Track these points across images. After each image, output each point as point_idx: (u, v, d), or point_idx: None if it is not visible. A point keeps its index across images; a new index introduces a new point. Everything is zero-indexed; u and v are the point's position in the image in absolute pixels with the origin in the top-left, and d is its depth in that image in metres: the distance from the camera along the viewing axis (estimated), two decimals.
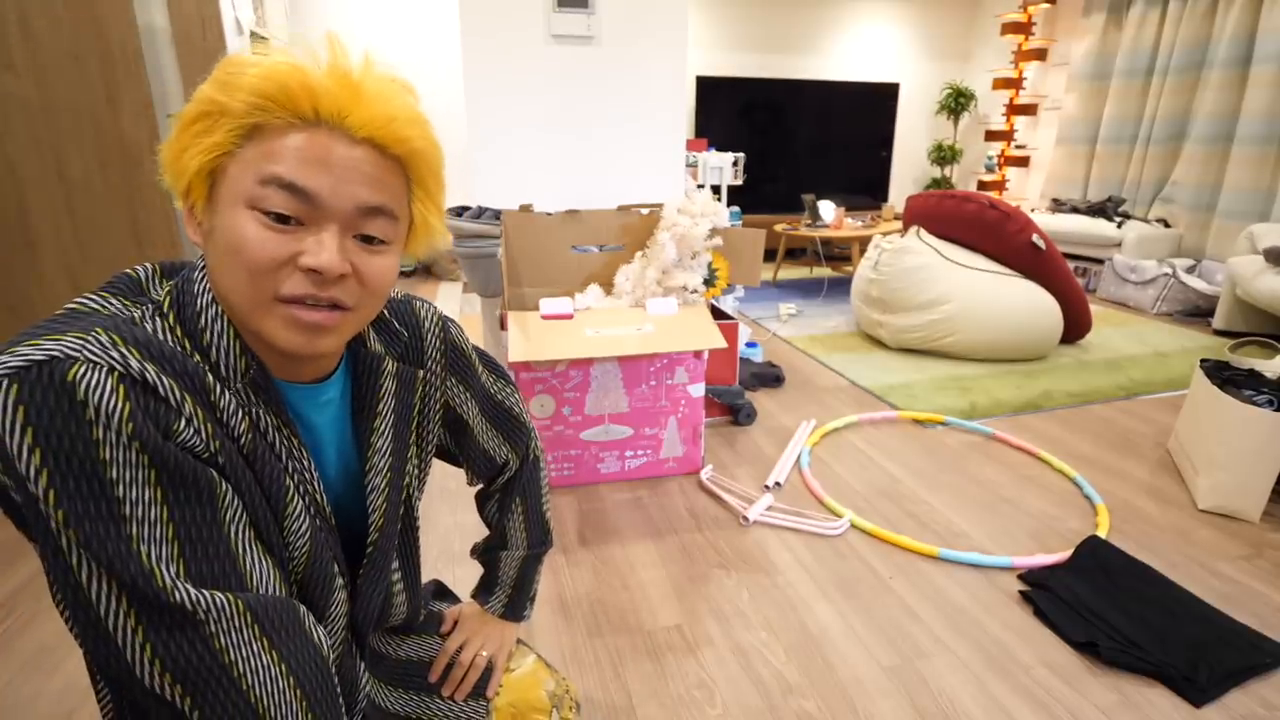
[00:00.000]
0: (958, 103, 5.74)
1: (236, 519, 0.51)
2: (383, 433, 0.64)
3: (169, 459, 0.46)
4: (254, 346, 0.55)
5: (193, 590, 0.46)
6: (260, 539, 0.53)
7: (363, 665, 0.67)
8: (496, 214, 2.41)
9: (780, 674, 1.29)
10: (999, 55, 5.65)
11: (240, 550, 0.50)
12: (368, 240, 0.53)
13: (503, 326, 1.93)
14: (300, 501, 0.56)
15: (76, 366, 0.43)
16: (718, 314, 2.39)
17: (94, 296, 0.52)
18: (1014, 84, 5.42)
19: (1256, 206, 3.93)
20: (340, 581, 0.61)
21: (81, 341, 0.44)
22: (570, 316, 1.94)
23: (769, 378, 2.76)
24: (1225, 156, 4.10)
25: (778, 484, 1.97)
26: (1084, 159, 5.00)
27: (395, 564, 0.70)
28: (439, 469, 2.07)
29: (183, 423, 0.48)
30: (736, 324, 2.32)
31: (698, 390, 1.99)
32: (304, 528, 0.56)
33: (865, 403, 2.60)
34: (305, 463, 0.57)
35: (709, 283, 2.11)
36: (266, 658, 0.49)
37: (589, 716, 1.19)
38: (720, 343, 1.84)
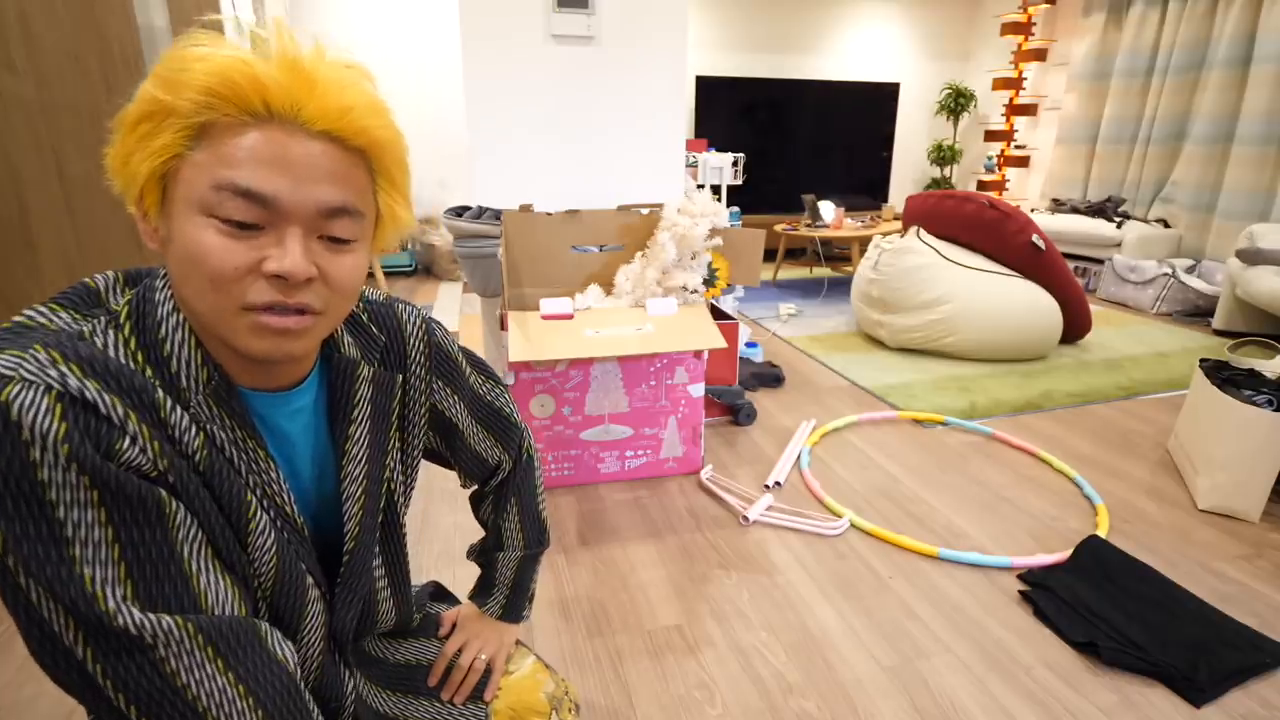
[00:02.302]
0: (958, 103, 5.74)
1: (190, 538, 0.49)
2: (358, 440, 0.62)
3: (110, 480, 0.44)
4: (218, 355, 0.53)
5: (138, 614, 0.45)
6: (219, 557, 0.52)
7: (348, 673, 0.66)
8: (496, 214, 2.41)
9: (780, 674, 1.29)
10: (999, 55, 5.65)
11: (194, 570, 0.49)
12: (333, 240, 0.51)
13: (503, 326, 1.93)
14: (265, 515, 0.55)
15: (10, 386, 0.42)
16: (718, 314, 2.39)
17: (42, 309, 0.50)
18: (1014, 84, 5.42)
19: (1256, 206, 3.93)
20: (315, 593, 0.60)
21: (18, 359, 0.43)
22: (570, 316, 1.94)
23: (769, 378, 2.76)
24: (1225, 156, 4.10)
25: (778, 484, 1.97)
26: (1084, 159, 5.00)
27: (381, 571, 0.69)
28: (440, 470, 2.07)
29: (126, 441, 0.46)
30: (736, 324, 2.32)
31: (698, 390, 1.99)
32: (269, 542, 0.55)
33: (865, 403, 2.60)
34: (272, 474, 0.56)
35: (709, 283, 2.11)
36: (222, 679, 0.48)
37: (589, 717, 1.19)
38: (720, 343, 1.84)
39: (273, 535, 0.55)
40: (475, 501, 0.89)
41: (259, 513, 0.54)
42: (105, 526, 0.45)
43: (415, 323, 0.69)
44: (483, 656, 0.80)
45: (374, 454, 0.64)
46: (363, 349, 0.64)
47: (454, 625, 0.84)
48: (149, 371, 0.50)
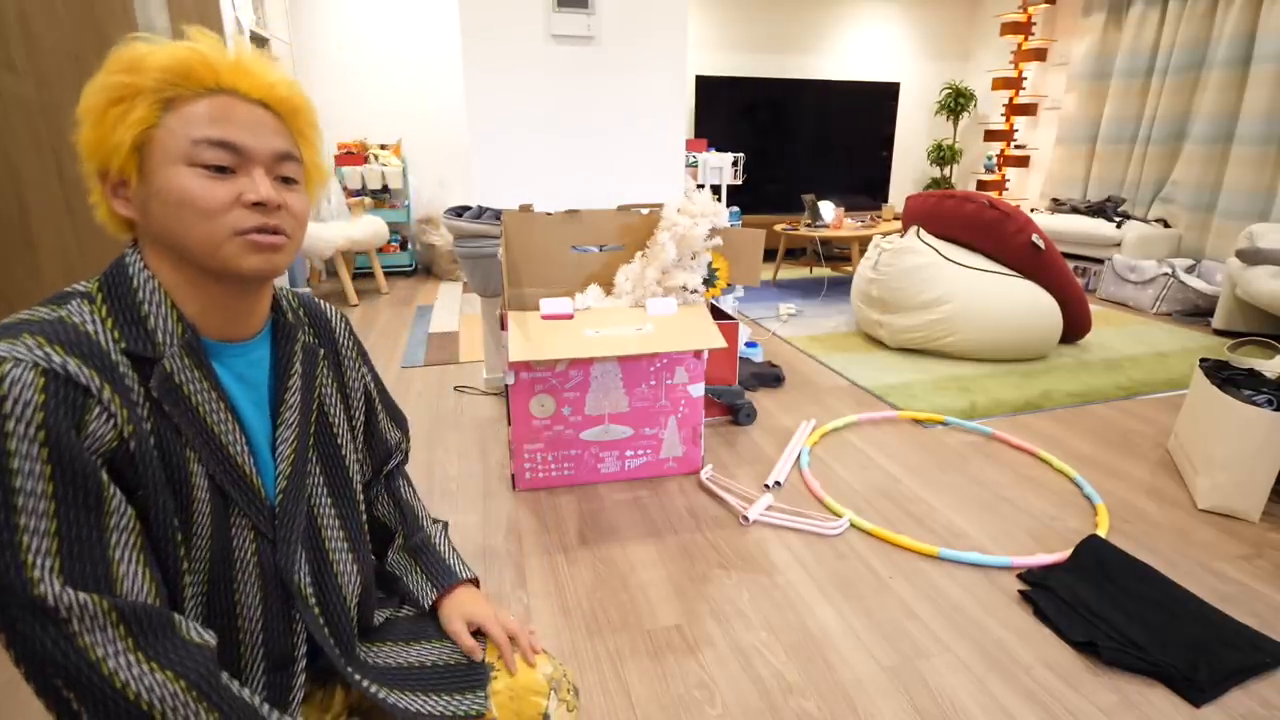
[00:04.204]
0: (957, 103, 5.74)
1: (121, 527, 0.55)
2: (294, 390, 0.71)
3: (65, 458, 0.52)
4: (189, 311, 0.63)
5: (58, 586, 0.50)
6: (145, 550, 0.57)
7: (301, 624, 0.69)
8: (496, 214, 2.41)
9: (780, 674, 1.29)
10: (999, 55, 5.65)
11: (116, 557, 0.54)
12: (284, 181, 0.64)
13: (503, 326, 1.93)
14: (205, 478, 0.62)
15: (4, 365, 0.51)
16: (718, 314, 2.39)
17: (24, 313, 0.58)
18: (1014, 84, 5.42)
19: (1256, 206, 3.93)
20: (250, 535, 0.65)
21: (10, 345, 0.52)
22: (570, 316, 1.94)
23: (769, 378, 2.76)
24: (1225, 156, 4.10)
25: (778, 484, 1.97)
26: (1084, 159, 5.00)
27: (337, 525, 0.75)
28: (440, 470, 2.07)
29: (97, 410, 0.54)
30: (736, 324, 2.32)
31: (698, 390, 1.99)
32: (205, 495, 0.62)
33: (865, 403, 2.60)
34: (229, 424, 0.64)
35: (709, 283, 2.11)
36: (132, 656, 0.53)
37: (589, 717, 1.19)
38: (720, 343, 1.84)
39: (209, 490, 0.62)
40: (371, 499, 0.89)
41: (197, 469, 0.62)
42: (50, 500, 0.51)
43: (335, 313, 0.82)
44: (511, 620, 0.82)
45: (304, 407, 0.73)
46: (297, 323, 0.76)
47: (448, 629, 0.83)
48: (117, 334, 0.59)
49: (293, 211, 0.65)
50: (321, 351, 0.77)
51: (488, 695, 0.77)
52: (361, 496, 0.79)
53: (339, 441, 0.77)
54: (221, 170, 0.60)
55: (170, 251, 0.61)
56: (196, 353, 0.62)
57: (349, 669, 0.72)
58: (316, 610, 0.71)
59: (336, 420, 0.77)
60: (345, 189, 4.46)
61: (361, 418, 0.83)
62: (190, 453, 0.61)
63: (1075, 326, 3.22)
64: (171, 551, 0.60)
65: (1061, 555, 1.61)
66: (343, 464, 0.76)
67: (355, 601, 0.77)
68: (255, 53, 0.64)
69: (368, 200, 4.43)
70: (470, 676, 0.78)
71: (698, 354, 1.97)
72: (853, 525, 1.77)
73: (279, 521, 0.68)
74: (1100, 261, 4.41)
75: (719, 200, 3.03)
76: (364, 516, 0.79)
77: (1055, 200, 4.99)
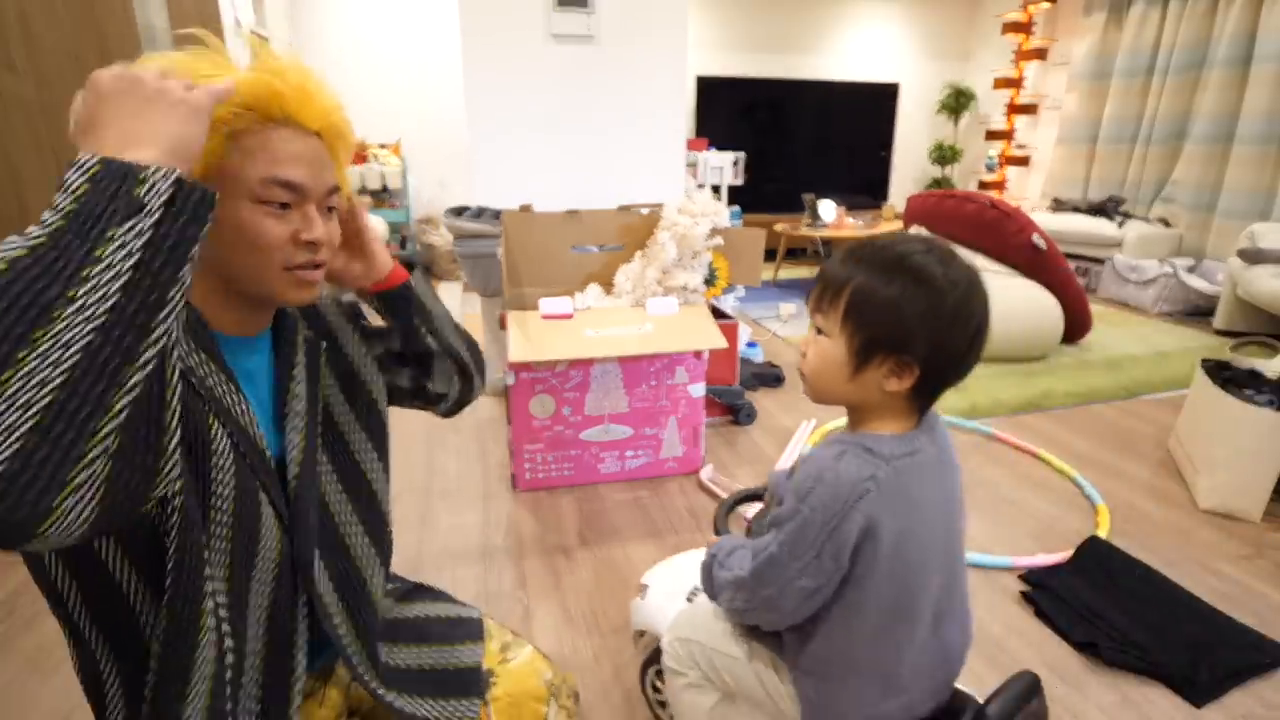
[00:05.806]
0: (958, 102, 5.74)
1: None
2: (299, 381, 0.73)
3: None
4: (210, 310, 0.63)
5: None
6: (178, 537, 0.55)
7: (304, 609, 0.69)
8: (496, 214, 2.41)
9: None
10: (999, 55, 5.65)
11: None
12: (328, 210, 0.67)
13: (503, 326, 1.93)
14: (226, 438, 0.60)
15: None
16: (718, 314, 2.39)
17: None
18: (1014, 83, 5.41)
19: (1256, 206, 3.92)
20: (270, 510, 0.64)
21: None
22: (570, 316, 1.94)
23: (769, 378, 2.76)
24: (1225, 156, 4.09)
25: None
26: (1084, 159, 5.00)
27: (350, 509, 0.76)
28: (439, 470, 2.07)
29: None
30: (736, 324, 2.33)
31: (698, 390, 1.99)
32: (228, 462, 0.60)
33: None
34: (243, 406, 0.63)
35: (709, 282, 2.11)
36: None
37: (589, 717, 1.19)
38: (720, 342, 1.84)
39: (233, 456, 0.61)
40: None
41: (219, 431, 0.60)
42: None
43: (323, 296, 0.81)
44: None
45: (311, 401, 0.73)
46: (294, 317, 0.76)
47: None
48: None
49: (332, 243, 0.67)
50: (323, 344, 0.77)
51: (486, 702, 0.77)
52: (379, 490, 0.79)
53: (348, 439, 0.78)
54: (284, 207, 0.62)
55: (205, 267, 0.61)
56: (202, 337, 0.62)
57: (360, 668, 0.71)
58: (340, 606, 0.71)
59: (344, 420, 0.78)
60: None
61: (370, 395, 0.80)
62: (213, 418, 0.60)
63: (1076, 326, 3.21)
64: (195, 537, 0.56)
65: (1062, 555, 1.61)
66: (352, 458, 0.77)
67: (381, 594, 0.78)
68: (308, 71, 0.64)
69: (367, 200, 4.43)
70: (469, 682, 0.78)
71: (698, 354, 1.97)
72: None
73: (295, 509, 0.68)
74: (1101, 261, 4.40)
75: (719, 200, 3.03)
76: (384, 510, 0.80)
77: (1056, 200, 4.98)
